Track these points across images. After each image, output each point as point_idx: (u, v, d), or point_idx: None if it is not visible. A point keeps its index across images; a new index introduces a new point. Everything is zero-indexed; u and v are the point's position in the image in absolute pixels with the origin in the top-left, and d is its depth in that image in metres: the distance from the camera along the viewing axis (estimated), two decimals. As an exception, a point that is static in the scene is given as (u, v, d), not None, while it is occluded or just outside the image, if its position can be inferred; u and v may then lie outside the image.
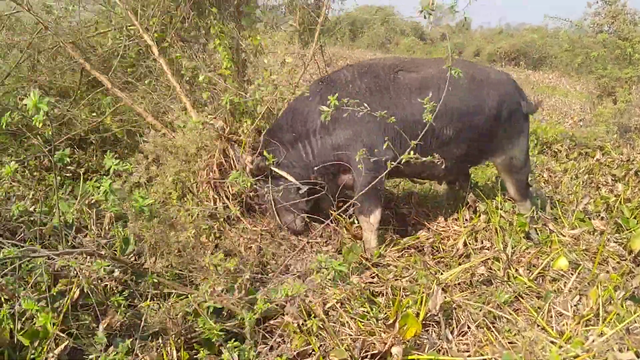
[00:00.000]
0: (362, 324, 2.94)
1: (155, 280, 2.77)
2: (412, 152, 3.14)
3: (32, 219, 3.18)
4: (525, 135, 4.45)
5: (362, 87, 3.93)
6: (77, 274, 2.61)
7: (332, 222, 4.07)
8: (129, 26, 4.23)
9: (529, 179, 4.70)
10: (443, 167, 3.41)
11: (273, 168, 3.87)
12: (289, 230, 4.12)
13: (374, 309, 3.10)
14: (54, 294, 2.57)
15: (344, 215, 3.94)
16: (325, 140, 3.96)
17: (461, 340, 2.97)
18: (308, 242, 3.86)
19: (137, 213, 2.74)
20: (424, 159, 3.19)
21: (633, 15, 9.52)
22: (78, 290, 2.62)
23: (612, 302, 3.03)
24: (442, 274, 3.62)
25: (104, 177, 2.97)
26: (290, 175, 3.99)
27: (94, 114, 4.47)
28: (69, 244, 3.03)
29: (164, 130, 3.85)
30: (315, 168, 3.96)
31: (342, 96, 3.34)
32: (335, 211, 3.74)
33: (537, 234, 4.21)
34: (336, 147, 3.93)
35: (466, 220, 4.29)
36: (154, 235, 2.82)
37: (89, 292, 2.56)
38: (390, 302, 3.14)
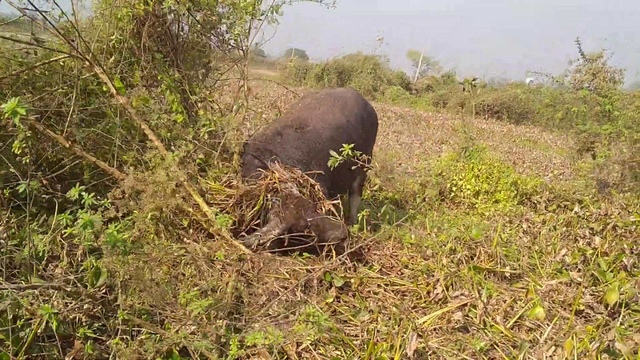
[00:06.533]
0: (335, 368, 2.90)
1: (126, 317, 2.71)
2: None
3: (1, 249, 3.10)
4: (370, 137, 6.05)
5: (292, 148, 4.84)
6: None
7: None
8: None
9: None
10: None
11: None
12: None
13: (348, 352, 3.05)
14: (19, 326, 2.50)
15: None
16: None
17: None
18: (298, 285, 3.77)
19: (112, 248, 2.70)
20: None
21: (612, 73, 9.80)
22: (44, 321, 2.55)
23: (587, 354, 3.01)
24: (417, 318, 3.59)
25: (80, 210, 2.94)
26: None
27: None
28: (39, 274, 2.96)
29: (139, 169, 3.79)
30: None
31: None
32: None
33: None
34: None
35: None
36: (128, 271, 2.76)
37: (58, 323, 2.50)
38: (365, 345, 3.09)
